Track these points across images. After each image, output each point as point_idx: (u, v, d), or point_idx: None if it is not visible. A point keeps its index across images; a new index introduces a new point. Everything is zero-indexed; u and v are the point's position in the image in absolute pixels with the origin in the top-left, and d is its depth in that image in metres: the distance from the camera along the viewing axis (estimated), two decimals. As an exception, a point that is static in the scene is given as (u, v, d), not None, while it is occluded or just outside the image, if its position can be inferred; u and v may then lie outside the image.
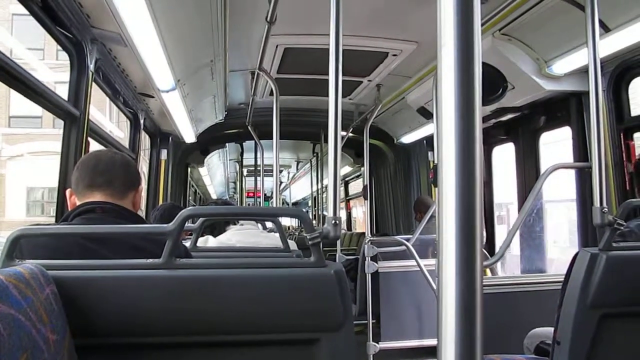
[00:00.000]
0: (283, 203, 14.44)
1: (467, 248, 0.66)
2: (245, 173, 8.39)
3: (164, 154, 5.11)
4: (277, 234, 2.43)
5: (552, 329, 1.91)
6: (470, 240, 0.66)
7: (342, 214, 9.63)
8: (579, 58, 2.97)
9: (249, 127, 5.01)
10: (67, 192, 1.81)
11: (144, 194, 4.93)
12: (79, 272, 1.37)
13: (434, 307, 3.19)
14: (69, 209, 1.75)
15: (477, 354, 0.66)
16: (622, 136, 3.05)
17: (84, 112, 2.61)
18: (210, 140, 6.01)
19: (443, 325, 0.67)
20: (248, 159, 7.45)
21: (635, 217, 2.26)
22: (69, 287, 1.32)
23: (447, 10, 0.68)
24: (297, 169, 10.95)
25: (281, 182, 12.51)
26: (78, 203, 1.73)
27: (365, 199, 4.46)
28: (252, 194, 10.39)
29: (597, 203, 1.79)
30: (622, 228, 1.76)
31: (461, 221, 0.66)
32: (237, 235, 2.67)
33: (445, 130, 0.68)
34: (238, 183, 8.48)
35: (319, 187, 7.85)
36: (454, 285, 0.67)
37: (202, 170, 8.86)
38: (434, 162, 5.41)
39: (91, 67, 2.63)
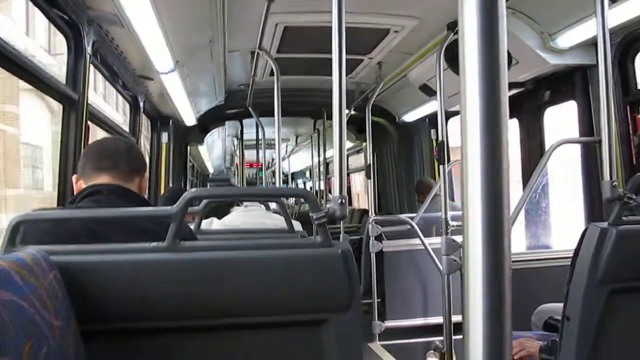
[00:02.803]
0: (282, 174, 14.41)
1: (494, 223, 0.64)
2: (244, 146, 8.39)
3: (164, 137, 5.09)
4: (281, 215, 2.41)
5: (560, 305, 1.89)
6: (497, 217, 0.63)
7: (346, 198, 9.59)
8: (584, 31, 2.92)
9: (250, 108, 4.97)
10: (73, 178, 1.82)
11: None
12: (82, 257, 1.35)
13: (439, 285, 3.21)
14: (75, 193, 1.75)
15: (506, 334, 0.64)
16: (628, 110, 3.01)
17: (82, 96, 2.58)
18: (210, 121, 5.98)
19: (470, 305, 0.64)
20: (248, 134, 7.43)
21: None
22: (72, 273, 1.30)
23: None
24: (296, 142, 10.94)
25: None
26: (84, 186, 1.74)
27: (369, 177, 4.43)
28: (250, 165, 10.35)
29: (606, 177, 1.76)
30: (632, 202, 1.74)
31: (488, 197, 0.63)
32: (242, 217, 2.65)
33: (469, 106, 0.65)
34: (237, 157, 8.44)
35: (320, 160, 7.83)
36: (481, 262, 0.64)
37: (201, 147, 8.83)
38: (437, 139, 5.38)
39: (88, 49, 2.59)
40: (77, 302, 1.27)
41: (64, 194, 2.47)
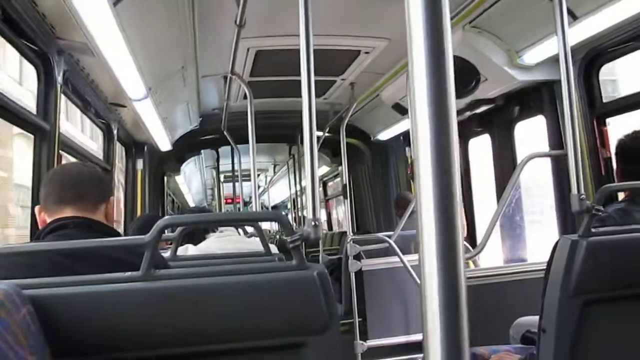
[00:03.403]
0: (262, 207, 14.34)
1: (447, 241, 0.65)
2: (222, 179, 8.33)
3: (139, 164, 5.05)
4: (258, 239, 2.40)
5: (537, 318, 1.91)
6: (450, 233, 0.65)
7: (322, 214, 9.62)
8: (549, 47, 2.99)
9: (225, 132, 4.98)
10: (36, 209, 1.75)
11: (121, 205, 4.87)
12: (55, 290, 1.33)
13: (419, 302, 3.20)
14: (40, 227, 1.71)
15: (464, 347, 0.65)
16: (595, 123, 3.08)
17: (54, 126, 2.56)
18: (186, 147, 5.96)
19: (428, 320, 0.66)
20: (225, 165, 7.41)
21: (613, 202, 2.29)
22: (46, 306, 1.28)
23: (416, 4, 0.67)
24: (274, 172, 10.92)
25: (259, 187, 12.50)
26: (48, 220, 1.69)
27: (345, 198, 4.46)
28: (230, 200, 10.31)
29: (574, 190, 1.80)
30: (600, 214, 1.77)
31: (440, 215, 0.65)
32: (218, 242, 2.64)
33: (420, 125, 0.67)
34: (215, 190, 8.43)
35: (298, 189, 7.84)
36: (436, 279, 0.66)
37: (179, 179, 8.77)
38: (411, 157, 5.43)
39: (59, 79, 2.58)
40: (51, 335, 1.25)
41: (37, 227, 2.44)
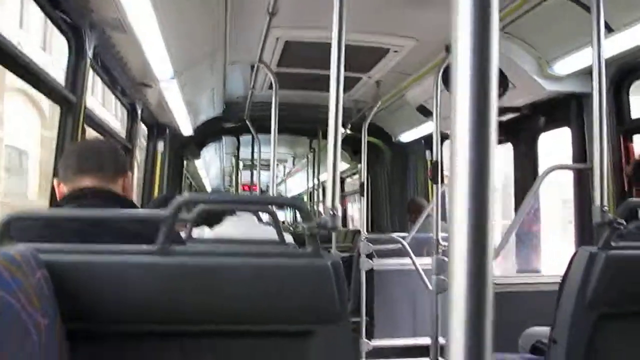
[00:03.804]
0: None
1: (478, 248, 0.65)
2: (241, 166, 8.37)
3: (160, 146, 5.09)
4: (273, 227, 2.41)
5: (547, 329, 1.89)
6: (481, 241, 0.64)
7: (338, 207, 9.56)
8: (581, 59, 2.95)
9: (247, 121, 4.99)
10: (55, 182, 1.78)
11: (139, 184, 4.91)
12: (71, 257, 1.34)
13: (428, 305, 3.20)
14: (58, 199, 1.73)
15: (487, 353, 0.65)
16: (621, 138, 3.04)
17: (80, 99, 2.58)
18: (208, 133, 5.99)
19: (454, 327, 0.65)
20: (245, 152, 7.44)
21: (634, 220, 2.26)
22: (61, 272, 1.30)
23: (465, 7, 0.66)
24: (293, 163, 10.93)
25: (277, 176, 12.50)
26: (66, 191, 1.70)
27: (362, 195, 4.44)
28: (247, 188, 10.36)
29: (597, 202, 1.77)
30: (621, 227, 1.75)
31: (473, 222, 0.64)
32: (234, 227, 2.65)
33: (459, 129, 0.66)
34: (234, 176, 8.48)
35: (316, 182, 7.85)
36: (465, 286, 0.65)
37: (198, 163, 8.82)
38: (431, 160, 5.41)
39: (89, 53, 2.60)
40: (64, 302, 1.26)
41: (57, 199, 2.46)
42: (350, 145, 6.27)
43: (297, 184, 13.94)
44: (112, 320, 1.35)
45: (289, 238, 2.41)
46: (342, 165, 8.47)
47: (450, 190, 0.66)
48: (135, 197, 4.74)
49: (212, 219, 2.77)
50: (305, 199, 11.79)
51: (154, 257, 1.37)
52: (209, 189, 14.24)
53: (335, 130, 1.53)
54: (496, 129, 0.66)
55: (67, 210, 1.60)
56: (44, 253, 1.29)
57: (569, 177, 3.60)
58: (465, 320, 0.65)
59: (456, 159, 0.66)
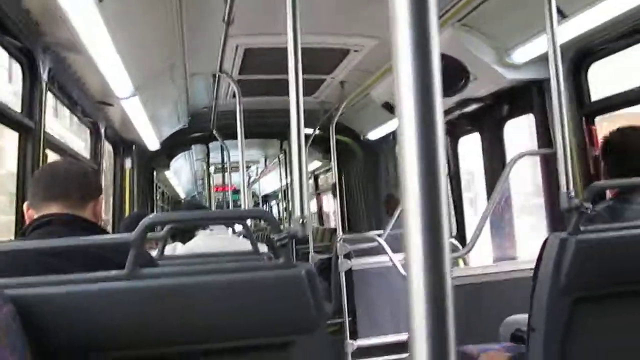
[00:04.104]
0: (253, 196, 14.31)
1: (433, 239, 0.64)
2: (213, 170, 8.32)
3: (128, 163, 5.02)
4: (247, 239, 2.39)
5: (526, 316, 1.90)
6: (436, 232, 0.64)
7: (313, 206, 9.57)
8: (538, 45, 2.99)
9: (214, 131, 4.95)
10: (24, 206, 1.73)
11: (110, 203, 4.83)
12: (38, 289, 1.31)
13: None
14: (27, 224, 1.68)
15: (450, 347, 0.64)
16: (584, 121, 3.08)
17: (39, 124, 2.52)
18: (175, 145, 5.94)
19: (413, 320, 0.64)
20: (215, 157, 7.41)
21: (602, 201, 2.29)
22: (28, 305, 1.26)
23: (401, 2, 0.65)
24: (265, 164, 10.91)
25: (250, 177, 12.44)
26: (35, 216, 1.66)
27: (335, 196, 4.45)
28: (221, 189, 10.31)
29: (563, 188, 1.79)
30: (588, 211, 1.77)
31: (426, 214, 0.64)
32: (206, 241, 2.62)
33: (405, 124, 0.65)
34: (206, 180, 8.43)
35: (289, 181, 7.85)
36: (423, 278, 0.64)
37: (169, 173, 8.75)
38: (401, 156, 5.43)
39: (44, 76, 2.54)
40: (33, 335, 1.22)
41: (21, 226, 2.40)
42: (321, 145, 6.27)
43: (270, 183, 13.94)
44: (85, 350, 1.31)
45: (263, 248, 2.38)
46: (315, 164, 8.48)
47: (401, 188, 0.66)
48: (105, 216, 4.67)
49: (183, 234, 2.73)
50: (280, 196, 11.74)
51: (124, 283, 1.34)
52: (182, 195, 14.13)
53: (298, 136, 1.52)
54: (442, 120, 0.65)
55: (30, 242, 1.56)
56: (8, 288, 1.25)
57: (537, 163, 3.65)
58: (426, 314, 0.64)
59: (405, 153, 0.65)
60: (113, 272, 1.35)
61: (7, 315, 1.19)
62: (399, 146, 0.66)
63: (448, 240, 0.64)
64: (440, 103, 0.65)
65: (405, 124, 0.65)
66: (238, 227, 3.56)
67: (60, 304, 1.30)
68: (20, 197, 2.44)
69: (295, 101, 1.51)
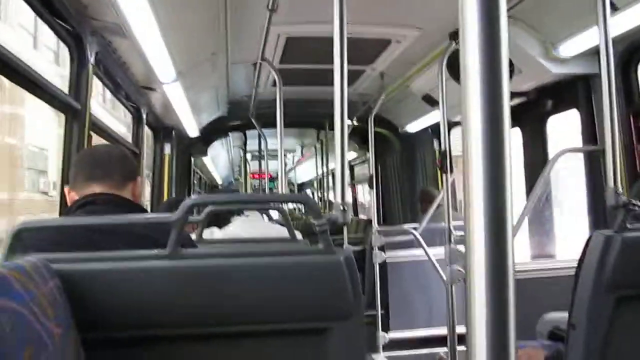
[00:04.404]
0: (289, 184, 14.41)
1: (497, 232, 0.63)
2: (249, 157, 8.38)
3: (167, 148, 5.10)
4: (283, 226, 2.39)
5: (564, 314, 1.87)
6: (500, 226, 0.63)
7: (348, 198, 9.53)
8: (586, 39, 2.91)
9: (252, 119, 4.98)
10: (65, 189, 1.79)
11: (148, 189, 4.92)
12: (83, 265, 1.34)
13: (443, 295, 3.19)
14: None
15: (510, 344, 0.63)
16: (631, 118, 3.00)
17: (85, 106, 2.58)
18: (213, 132, 5.99)
19: (475, 314, 0.64)
20: (252, 145, 7.47)
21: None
22: (73, 280, 1.29)
23: None
24: (301, 153, 10.94)
25: (286, 164, 12.56)
26: (77, 197, 1.71)
27: (371, 188, 4.43)
28: (257, 176, 10.37)
29: (610, 184, 1.75)
30: (636, 209, 1.72)
31: (491, 206, 0.63)
32: (243, 227, 2.64)
33: (470, 114, 0.65)
34: (242, 168, 8.51)
35: (325, 170, 7.86)
36: (484, 273, 0.64)
37: (206, 159, 8.85)
38: (439, 149, 5.39)
39: (91, 60, 2.60)
40: (77, 310, 1.26)
41: (66, 205, 2.47)
42: (359, 136, 6.26)
43: (305, 172, 13.97)
44: (126, 326, 1.34)
45: (299, 236, 2.39)
46: (351, 154, 8.47)
47: (465, 178, 0.65)
48: (145, 200, 4.76)
49: (220, 219, 2.76)
50: (315, 185, 11.74)
51: (165, 261, 1.36)
52: (219, 181, 14.27)
53: (342, 125, 1.52)
54: (509, 112, 0.65)
55: (77, 219, 1.60)
56: (55, 263, 1.29)
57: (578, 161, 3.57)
58: (487, 309, 0.64)
59: (469, 146, 0.64)
60: (155, 251, 1.38)
61: (53, 289, 1.22)
62: (463, 138, 0.65)
63: (512, 233, 0.63)
64: (507, 96, 0.64)
65: (471, 115, 0.64)
66: (274, 215, 3.58)
67: (103, 280, 1.33)
68: (65, 176, 2.50)
69: (339, 90, 1.51)
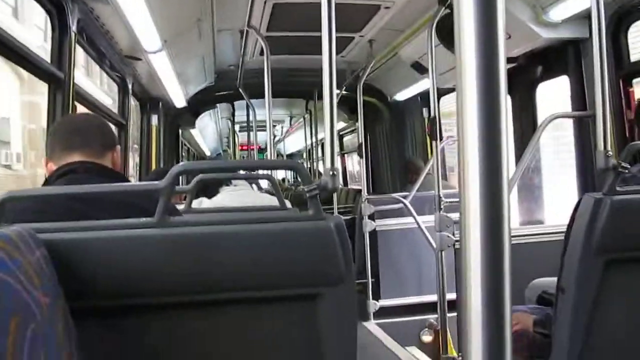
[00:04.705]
0: (278, 155, 14.40)
1: (492, 198, 0.62)
2: (237, 129, 8.34)
3: (154, 120, 5.04)
4: (272, 195, 2.38)
5: (553, 280, 1.88)
6: (496, 191, 0.62)
7: (338, 165, 9.55)
8: (577, 2, 2.89)
9: (240, 89, 4.93)
10: (43, 160, 1.75)
11: (136, 160, 4.88)
12: (69, 234, 1.32)
13: (432, 263, 3.21)
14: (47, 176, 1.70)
15: (506, 309, 0.63)
16: (621, 83, 2.99)
17: (68, 75, 2.53)
18: (201, 103, 5.94)
19: (466, 278, 0.63)
20: (240, 116, 7.41)
21: (637, 163, 2.23)
22: (59, 250, 1.28)
23: None
24: (290, 123, 10.91)
25: (274, 136, 12.55)
26: (55, 167, 1.68)
27: (361, 157, 4.42)
28: (245, 147, 10.37)
29: (600, 147, 1.74)
30: (626, 171, 1.72)
31: (486, 172, 0.62)
32: (232, 196, 2.63)
33: (466, 75, 0.63)
34: (231, 139, 8.47)
35: (314, 140, 7.85)
36: (479, 239, 0.63)
37: (194, 130, 8.80)
38: (429, 117, 5.38)
39: (73, 27, 2.53)
40: (65, 280, 1.24)
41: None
42: (347, 105, 6.23)
43: (294, 143, 13.95)
44: (114, 295, 1.33)
45: (288, 204, 2.38)
46: (340, 124, 8.45)
47: (460, 144, 0.64)
48: (132, 171, 4.72)
49: (209, 189, 2.74)
50: (304, 156, 11.75)
51: (153, 230, 1.34)
52: (207, 153, 14.22)
53: (330, 92, 1.50)
54: (505, 80, 0.63)
55: (63, 188, 1.57)
56: (41, 232, 1.27)
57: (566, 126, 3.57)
58: (482, 273, 0.63)
59: (465, 110, 0.63)
60: (142, 220, 1.36)
61: (40, 259, 1.20)
62: (458, 103, 0.64)
63: (508, 198, 0.62)
64: (503, 59, 0.63)
65: (466, 79, 0.63)
66: (263, 184, 3.57)
67: (90, 249, 1.32)
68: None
69: (328, 58, 1.48)
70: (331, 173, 1.42)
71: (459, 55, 0.64)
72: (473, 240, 0.62)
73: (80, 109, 2.89)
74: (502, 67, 0.63)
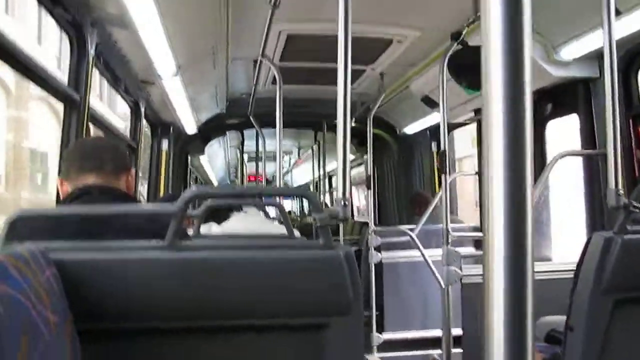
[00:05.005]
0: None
1: (517, 233, 0.62)
2: (246, 159, 8.37)
3: (165, 145, 5.08)
4: (281, 224, 2.38)
5: (561, 318, 1.87)
6: (521, 227, 0.62)
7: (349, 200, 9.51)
8: (588, 43, 2.91)
9: (251, 117, 4.97)
10: (57, 181, 1.78)
11: (145, 185, 4.90)
12: (80, 254, 1.32)
13: (438, 297, 3.18)
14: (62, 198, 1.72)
15: (527, 348, 0.63)
16: (630, 122, 3.00)
17: (84, 97, 2.57)
18: (211, 130, 5.98)
19: (492, 318, 0.63)
20: (249, 145, 7.43)
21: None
22: (70, 270, 1.28)
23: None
24: (298, 155, 10.93)
25: (283, 167, 12.50)
26: (70, 189, 1.70)
27: (369, 188, 4.43)
28: (254, 178, 10.35)
29: (611, 185, 1.74)
30: (637, 211, 1.72)
31: (511, 207, 0.62)
32: (241, 222, 2.63)
33: (493, 108, 0.64)
34: (239, 168, 8.48)
35: (321, 173, 7.86)
36: (503, 276, 0.63)
37: (203, 157, 8.83)
38: (438, 151, 5.39)
39: (92, 51, 2.58)
40: (74, 300, 1.24)
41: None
42: (356, 137, 6.27)
43: (302, 175, 13.95)
44: (122, 318, 1.33)
45: (297, 234, 2.38)
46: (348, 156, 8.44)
47: (485, 176, 0.64)
48: (139, 196, 4.73)
49: (219, 214, 2.75)
50: (311, 188, 11.77)
51: (164, 253, 1.34)
52: (215, 182, 14.23)
53: (344, 122, 1.52)
54: (531, 113, 0.64)
55: (74, 208, 1.59)
56: (52, 251, 1.27)
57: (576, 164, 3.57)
58: (505, 312, 0.63)
59: (492, 143, 0.64)
60: (153, 242, 1.36)
61: (50, 278, 1.21)
62: (484, 127, 0.64)
63: (533, 235, 0.62)
64: (529, 93, 0.64)
65: (493, 113, 0.63)
66: (271, 213, 3.57)
67: (101, 271, 1.32)
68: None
69: (343, 89, 1.51)
70: (343, 203, 1.43)
71: (486, 89, 0.65)
72: (497, 278, 0.62)
73: (93, 130, 2.93)
74: (529, 99, 0.63)
